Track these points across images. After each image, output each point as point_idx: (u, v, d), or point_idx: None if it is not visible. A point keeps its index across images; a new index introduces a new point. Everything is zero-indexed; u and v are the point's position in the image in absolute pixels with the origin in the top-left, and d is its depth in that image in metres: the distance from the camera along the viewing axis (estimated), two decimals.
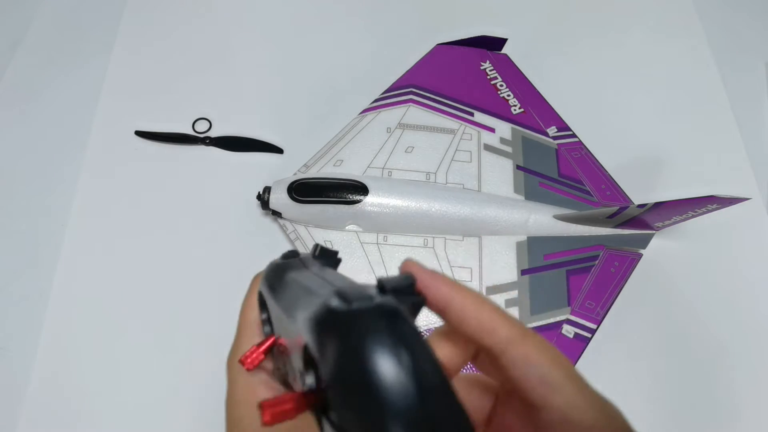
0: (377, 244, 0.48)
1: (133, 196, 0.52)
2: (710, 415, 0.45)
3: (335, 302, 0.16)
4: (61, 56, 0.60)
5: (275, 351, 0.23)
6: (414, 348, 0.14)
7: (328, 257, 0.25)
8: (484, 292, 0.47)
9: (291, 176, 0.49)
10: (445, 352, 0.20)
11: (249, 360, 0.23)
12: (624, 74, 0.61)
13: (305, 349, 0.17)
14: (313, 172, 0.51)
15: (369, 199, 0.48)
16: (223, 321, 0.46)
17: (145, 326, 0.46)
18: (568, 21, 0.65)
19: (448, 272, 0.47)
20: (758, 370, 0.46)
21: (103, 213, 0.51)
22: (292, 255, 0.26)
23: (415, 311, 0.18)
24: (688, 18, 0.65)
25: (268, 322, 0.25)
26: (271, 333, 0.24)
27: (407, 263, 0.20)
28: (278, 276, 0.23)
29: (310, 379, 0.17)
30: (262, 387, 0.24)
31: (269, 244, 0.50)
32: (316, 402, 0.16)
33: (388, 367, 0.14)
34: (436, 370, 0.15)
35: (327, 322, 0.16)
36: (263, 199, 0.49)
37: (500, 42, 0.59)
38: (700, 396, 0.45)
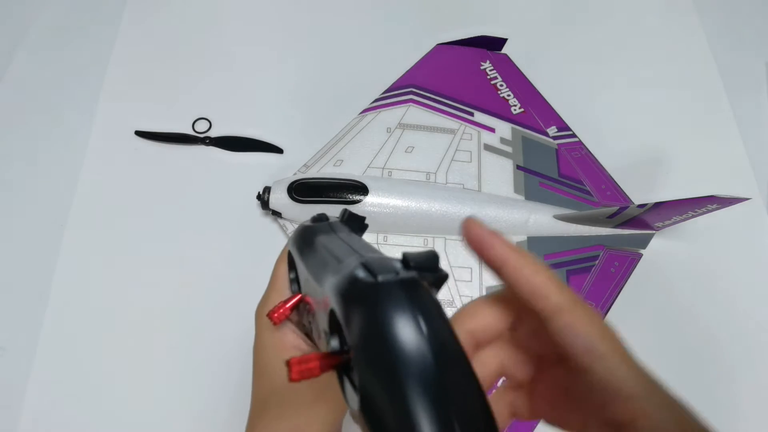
0: (377, 244, 0.48)
1: (132, 195, 0.52)
2: (710, 416, 0.45)
3: (362, 273, 0.17)
4: (61, 56, 0.60)
5: (301, 307, 0.25)
6: (433, 320, 0.15)
7: (355, 222, 0.26)
8: (484, 292, 0.47)
9: (291, 176, 0.49)
10: (487, 317, 0.21)
11: (276, 315, 0.25)
12: (624, 74, 0.61)
13: (331, 314, 0.18)
14: (313, 172, 0.50)
15: (369, 199, 0.47)
16: (223, 320, 0.46)
17: (144, 326, 0.46)
18: (568, 21, 0.65)
19: (448, 272, 0.47)
20: (758, 370, 0.46)
21: (102, 213, 0.51)
22: (320, 219, 0.27)
23: (438, 285, 0.19)
24: (688, 18, 0.65)
25: (295, 281, 0.27)
26: (298, 291, 0.26)
27: (468, 221, 0.20)
28: (307, 239, 0.24)
29: (334, 342, 0.18)
30: (289, 335, 0.26)
31: (269, 245, 0.49)
32: (339, 363, 0.17)
33: (408, 335, 0.15)
34: (453, 340, 0.15)
35: (353, 292, 0.17)
36: (263, 199, 0.48)
37: (500, 42, 0.59)
38: (699, 396, 0.45)
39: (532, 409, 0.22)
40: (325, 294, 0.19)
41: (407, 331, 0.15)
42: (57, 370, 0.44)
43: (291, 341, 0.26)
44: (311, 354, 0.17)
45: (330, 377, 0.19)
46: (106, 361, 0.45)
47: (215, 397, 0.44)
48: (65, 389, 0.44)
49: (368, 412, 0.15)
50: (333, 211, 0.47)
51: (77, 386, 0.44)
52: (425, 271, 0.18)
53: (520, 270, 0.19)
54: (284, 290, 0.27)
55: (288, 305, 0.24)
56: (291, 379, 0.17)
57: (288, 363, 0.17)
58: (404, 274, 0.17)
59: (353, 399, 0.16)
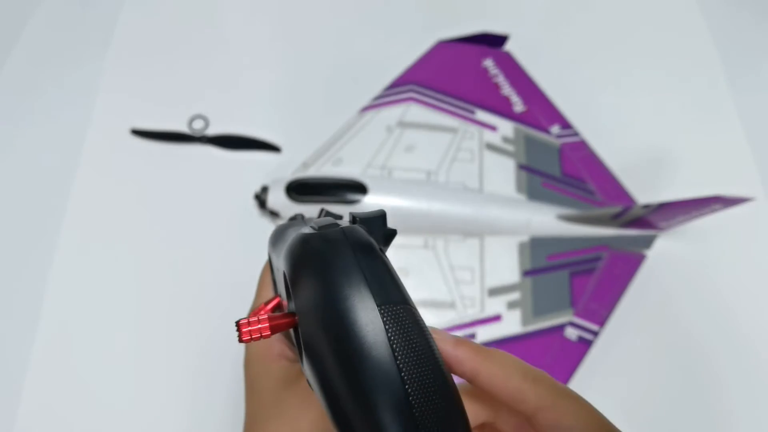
0: None
1: (129, 195, 0.51)
2: (714, 418, 0.44)
3: (307, 230, 0.17)
4: (57, 55, 0.59)
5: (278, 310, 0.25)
6: (371, 261, 0.15)
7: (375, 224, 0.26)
8: (485, 293, 0.46)
9: (289, 175, 0.49)
10: (470, 408, 0.20)
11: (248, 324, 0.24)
12: (628, 72, 0.60)
13: (284, 277, 0.18)
14: (312, 172, 0.50)
15: (368, 199, 0.47)
16: (220, 320, 0.46)
17: (142, 326, 0.46)
18: (572, 18, 0.64)
19: (448, 273, 0.47)
20: (765, 372, 0.46)
21: (98, 212, 0.50)
22: (295, 218, 0.27)
23: (387, 241, 0.18)
24: (692, 16, 0.64)
25: (274, 282, 0.26)
26: (276, 293, 0.25)
27: (432, 331, 0.20)
28: (279, 233, 0.25)
29: (291, 305, 0.17)
30: (275, 344, 0.26)
31: (267, 245, 0.49)
32: (293, 324, 0.17)
33: (344, 276, 0.15)
34: (393, 279, 0.16)
35: (296, 245, 0.17)
36: (261, 198, 0.48)
37: (502, 39, 0.59)
38: (704, 399, 0.45)
39: None
40: (279, 266, 0.19)
41: (341, 269, 0.15)
42: (53, 371, 0.44)
43: (277, 350, 0.26)
44: (263, 316, 0.17)
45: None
46: (102, 361, 0.44)
47: (209, 399, 0.43)
48: (61, 392, 0.43)
49: (314, 369, 0.15)
50: (333, 210, 0.47)
51: (74, 388, 0.43)
52: (373, 225, 0.18)
53: (492, 379, 0.18)
54: (268, 298, 0.26)
55: (267, 307, 0.23)
56: (241, 340, 0.17)
57: (237, 324, 0.17)
58: (345, 225, 0.17)
59: (302, 359, 0.16)
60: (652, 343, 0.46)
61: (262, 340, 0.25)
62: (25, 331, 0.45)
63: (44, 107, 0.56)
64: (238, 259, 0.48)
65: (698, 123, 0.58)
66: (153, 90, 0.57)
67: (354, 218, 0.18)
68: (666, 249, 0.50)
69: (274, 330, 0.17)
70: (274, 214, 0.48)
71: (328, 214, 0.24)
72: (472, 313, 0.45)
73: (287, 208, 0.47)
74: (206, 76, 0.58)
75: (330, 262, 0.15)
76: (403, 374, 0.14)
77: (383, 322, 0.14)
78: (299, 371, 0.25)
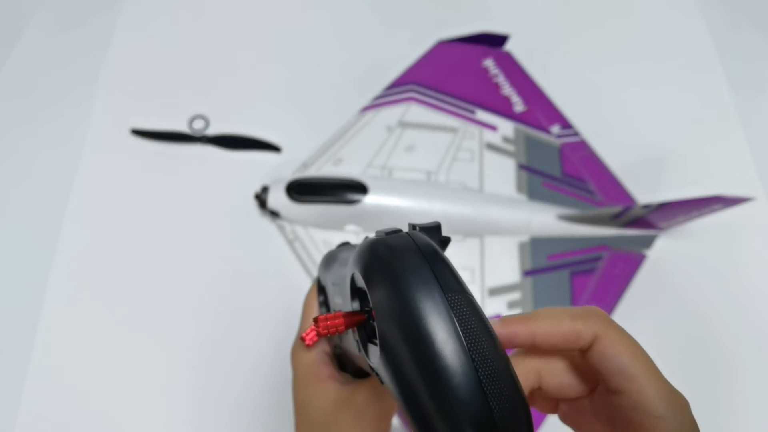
0: None
1: (129, 195, 0.51)
2: (714, 418, 0.44)
3: (372, 236, 0.19)
4: (57, 55, 0.59)
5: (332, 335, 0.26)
6: (436, 261, 0.17)
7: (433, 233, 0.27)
8: (485, 293, 0.46)
9: (289, 175, 0.49)
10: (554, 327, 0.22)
11: (308, 337, 0.26)
12: (628, 73, 0.60)
13: (351, 281, 0.20)
14: (312, 172, 0.50)
15: (368, 199, 0.47)
16: (221, 319, 0.46)
17: (142, 327, 0.45)
18: (572, 18, 0.64)
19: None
20: (766, 373, 0.46)
21: (98, 212, 0.50)
22: (344, 244, 0.29)
23: (443, 246, 0.20)
24: (692, 17, 0.64)
25: (324, 303, 0.28)
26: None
27: (498, 321, 0.21)
28: (332, 257, 0.27)
29: (356, 304, 0.20)
30: (323, 368, 0.27)
31: (267, 246, 0.49)
32: (362, 321, 0.19)
33: (414, 271, 0.17)
34: (455, 276, 0.17)
35: (368, 249, 0.18)
36: (261, 198, 0.48)
37: (502, 39, 0.59)
38: (704, 398, 0.45)
39: (563, 414, 0.23)
40: (346, 273, 0.21)
41: (411, 266, 0.17)
42: (52, 373, 0.44)
43: (326, 372, 0.26)
44: (337, 312, 0.19)
45: (368, 396, 0.22)
46: (101, 363, 0.44)
47: (209, 400, 0.43)
48: (60, 394, 0.43)
49: (390, 364, 0.16)
50: (333, 210, 0.47)
51: (73, 390, 0.43)
52: (430, 232, 0.19)
53: (547, 334, 0.20)
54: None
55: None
56: (318, 334, 0.19)
57: (315, 319, 0.19)
58: (408, 230, 0.19)
59: (374, 354, 0.18)
60: (653, 343, 0.46)
61: (310, 365, 0.26)
62: (24, 332, 0.45)
63: (44, 107, 0.56)
64: (238, 258, 0.48)
65: (698, 123, 0.58)
66: (153, 90, 0.57)
67: (414, 226, 0.20)
68: (666, 249, 0.50)
69: (347, 325, 0.19)
70: (274, 214, 0.48)
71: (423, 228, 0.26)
72: None
73: (287, 207, 0.47)
74: (206, 76, 0.58)
75: (402, 261, 0.17)
76: (472, 355, 0.15)
77: (450, 308, 0.16)
78: (350, 392, 0.26)
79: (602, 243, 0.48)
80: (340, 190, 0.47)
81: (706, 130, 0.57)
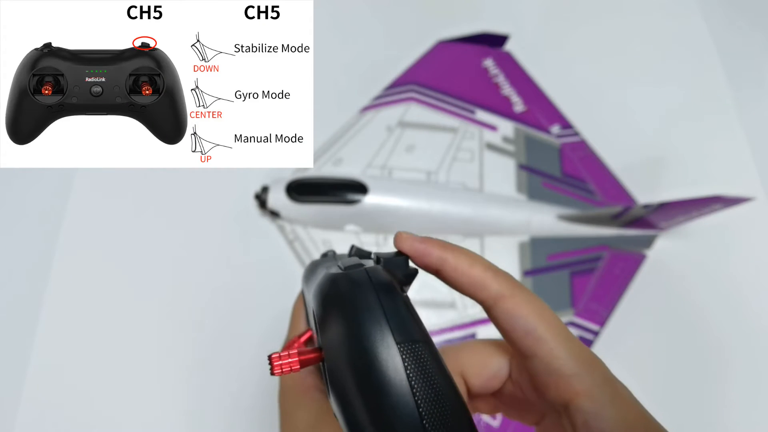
0: (377, 244, 0.47)
1: (128, 194, 0.51)
2: (714, 418, 0.44)
3: (334, 269, 0.18)
4: None
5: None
6: (392, 301, 0.16)
7: (362, 257, 0.26)
8: None
9: (289, 175, 0.49)
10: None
11: (273, 366, 0.25)
12: (628, 73, 0.60)
13: (314, 315, 0.19)
14: (312, 172, 0.50)
15: (368, 199, 0.47)
16: (220, 322, 0.46)
17: (141, 327, 0.45)
18: (572, 18, 0.64)
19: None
20: (765, 373, 0.46)
21: (97, 211, 0.50)
22: (327, 254, 0.28)
23: (408, 280, 0.20)
24: (692, 16, 0.64)
25: (307, 314, 0.27)
26: (308, 326, 0.27)
27: (398, 235, 0.21)
28: (312, 269, 0.26)
29: (320, 341, 0.18)
30: (309, 377, 0.26)
31: (267, 246, 0.49)
32: (321, 358, 0.18)
33: (366, 315, 0.16)
34: (413, 317, 0.17)
35: (324, 285, 0.18)
36: (261, 198, 0.48)
37: (502, 39, 0.59)
38: (705, 398, 0.45)
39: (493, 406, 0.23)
40: (310, 302, 0.20)
41: (366, 309, 0.16)
42: (51, 374, 0.44)
43: (311, 383, 0.26)
44: (293, 350, 0.18)
45: None
46: (100, 364, 0.44)
47: (207, 402, 0.43)
48: (59, 395, 0.43)
49: (338, 402, 0.16)
50: (333, 210, 0.47)
51: (72, 391, 0.43)
52: (395, 266, 0.19)
53: (457, 267, 0.20)
54: (301, 330, 0.28)
55: (301, 340, 0.24)
56: (272, 374, 0.18)
57: (269, 358, 0.18)
58: (369, 266, 0.18)
59: (329, 392, 0.17)
60: (653, 343, 0.46)
61: (294, 375, 0.25)
62: (24, 335, 0.45)
63: None
64: (238, 258, 0.48)
65: (698, 123, 0.58)
66: None
67: (378, 258, 0.19)
68: (666, 249, 0.50)
69: (303, 364, 0.18)
70: (274, 214, 0.48)
71: (359, 251, 0.26)
72: (473, 313, 0.45)
73: (287, 207, 0.47)
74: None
75: (354, 302, 0.16)
76: (420, 409, 0.14)
77: (402, 359, 0.15)
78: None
79: (602, 243, 0.48)
80: (340, 190, 0.47)
81: (706, 129, 0.57)
